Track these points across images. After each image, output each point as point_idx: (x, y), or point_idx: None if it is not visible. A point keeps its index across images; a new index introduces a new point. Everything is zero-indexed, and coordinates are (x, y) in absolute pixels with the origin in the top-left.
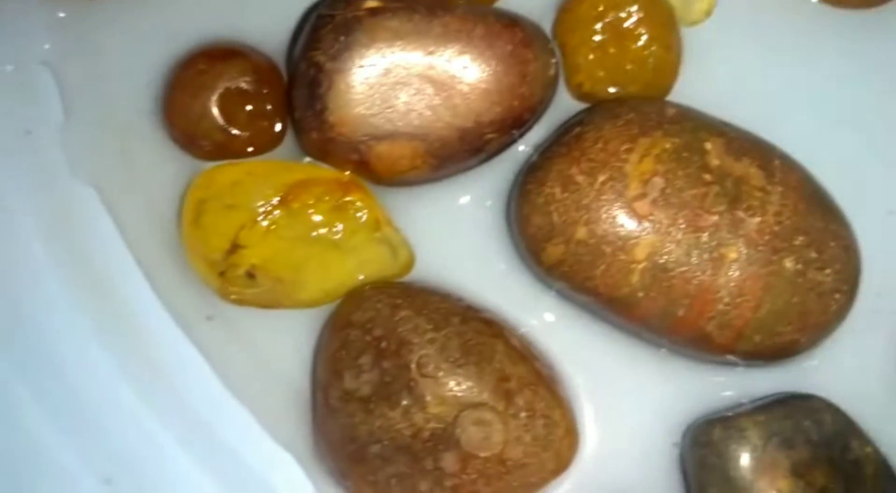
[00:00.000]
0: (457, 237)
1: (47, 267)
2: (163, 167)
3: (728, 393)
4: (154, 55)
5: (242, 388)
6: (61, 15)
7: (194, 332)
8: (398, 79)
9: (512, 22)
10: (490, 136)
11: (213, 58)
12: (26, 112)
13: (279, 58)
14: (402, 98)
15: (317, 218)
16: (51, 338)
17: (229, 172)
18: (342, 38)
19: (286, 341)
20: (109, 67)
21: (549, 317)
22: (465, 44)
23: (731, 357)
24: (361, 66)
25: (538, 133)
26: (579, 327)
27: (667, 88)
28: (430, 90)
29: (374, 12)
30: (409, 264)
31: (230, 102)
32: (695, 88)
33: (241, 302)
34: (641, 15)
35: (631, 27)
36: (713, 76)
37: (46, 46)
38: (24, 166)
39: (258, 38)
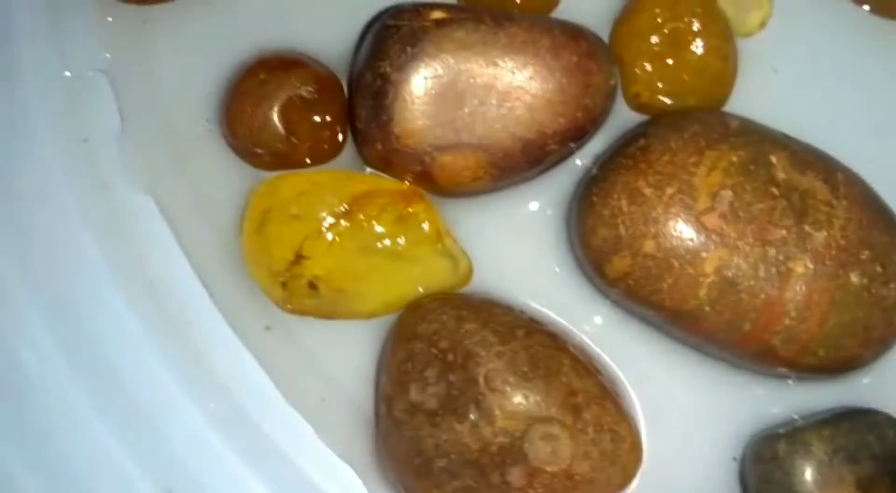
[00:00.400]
0: (512, 246)
1: (105, 275)
2: (221, 175)
3: (784, 407)
4: (211, 63)
5: (301, 398)
6: (109, 19)
7: (253, 341)
8: (464, 89)
9: (576, 33)
10: (552, 147)
11: (273, 67)
12: (83, 120)
13: (336, 67)
14: (467, 109)
15: (380, 229)
16: (109, 347)
17: (294, 182)
18: (409, 48)
19: (345, 352)
20: (166, 75)
21: (600, 322)
22: (531, 55)
23: (790, 371)
24: (427, 77)
25: (595, 144)
26: (632, 335)
27: (723, 99)
28: (494, 101)
29: (440, 23)
30: (469, 274)
31: (291, 112)
32: (749, 100)
33: (300, 312)
34: (699, 26)
35: (688, 38)
36: (767, 87)
37: (103, 53)
38: (81, 175)
39: (315, 47)
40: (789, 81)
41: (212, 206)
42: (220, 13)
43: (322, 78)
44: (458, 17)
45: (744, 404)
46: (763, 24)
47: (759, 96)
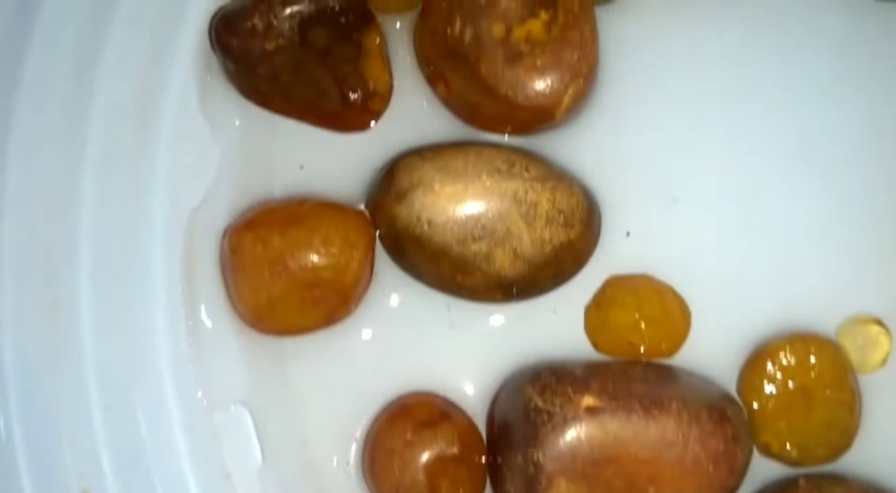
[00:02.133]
0: None
1: None
2: None
3: None
4: (351, 402)
5: None
6: (250, 352)
7: None
8: (615, 475)
9: (722, 417)
10: None
11: (420, 424)
12: (225, 454)
13: (474, 411)
14: (618, 486)
15: None
16: None
17: None
18: (562, 438)
19: None
20: (307, 412)
21: None
22: (681, 446)
23: None
24: (579, 464)
25: None
26: None
27: (847, 447)
28: (644, 486)
29: (592, 412)
30: None
31: (437, 471)
32: (873, 446)
33: None
34: (826, 376)
35: (817, 393)
36: (886, 436)
37: (244, 386)
38: None
39: (452, 389)
40: None
41: None
42: (358, 352)
43: (465, 431)
44: (609, 406)
45: None
46: (884, 363)
47: (882, 444)
